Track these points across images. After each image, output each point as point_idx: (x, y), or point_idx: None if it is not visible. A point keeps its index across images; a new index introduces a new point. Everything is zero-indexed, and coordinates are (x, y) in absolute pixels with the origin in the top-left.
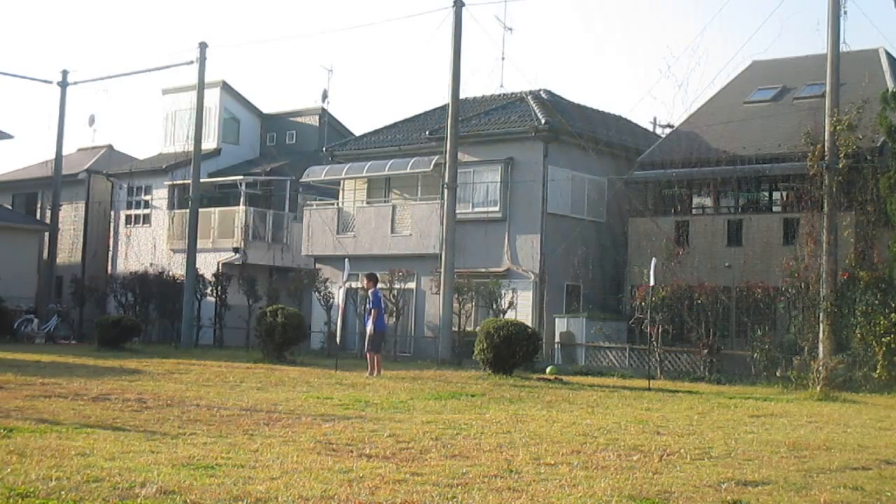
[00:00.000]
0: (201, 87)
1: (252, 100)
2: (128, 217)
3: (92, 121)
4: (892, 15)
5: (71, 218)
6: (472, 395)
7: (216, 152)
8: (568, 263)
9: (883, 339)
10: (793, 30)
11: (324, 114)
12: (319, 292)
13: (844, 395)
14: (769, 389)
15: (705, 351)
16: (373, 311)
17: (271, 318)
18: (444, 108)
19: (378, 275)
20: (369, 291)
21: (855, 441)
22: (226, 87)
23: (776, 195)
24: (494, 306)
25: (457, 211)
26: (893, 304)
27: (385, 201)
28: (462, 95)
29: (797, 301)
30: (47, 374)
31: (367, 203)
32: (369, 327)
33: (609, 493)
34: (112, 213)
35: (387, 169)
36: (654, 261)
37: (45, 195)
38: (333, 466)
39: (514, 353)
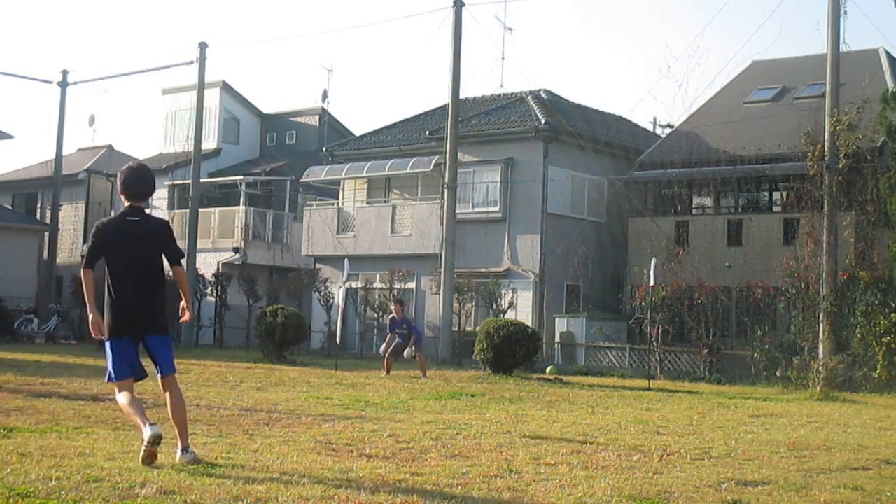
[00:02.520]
0: (201, 87)
1: (252, 100)
2: None
3: (92, 121)
4: (892, 15)
5: (71, 218)
6: (472, 395)
7: (216, 152)
8: (568, 263)
9: (883, 339)
10: (793, 30)
11: (324, 114)
12: (319, 292)
13: (844, 395)
14: (769, 389)
15: (705, 351)
16: (413, 337)
17: (271, 318)
18: (444, 108)
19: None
20: (401, 318)
21: (855, 441)
22: (226, 87)
23: (776, 195)
24: (494, 306)
25: (457, 211)
26: (893, 304)
27: (385, 201)
28: (462, 95)
29: (797, 301)
30: (47, 374)
31: (367, 203)
32: (407, 352)
33: (609, 493)
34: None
35: (387, 169)
36: (654, 261)
37: (45, 195)
38: (333, 466)
39: (514, 353)
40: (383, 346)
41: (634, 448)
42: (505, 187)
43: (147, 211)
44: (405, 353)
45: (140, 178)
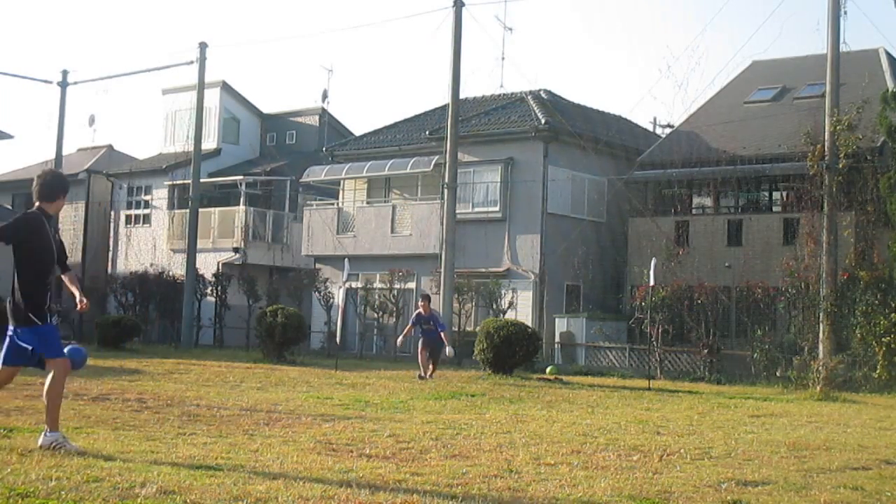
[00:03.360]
0: (201, 87)
1: (252, 100)
2: (128, 217)
3: (92, 121)
4: (892, 15)
5: (71, 218)
6: (472, 395)
7: (216, 152)
8: (568, 263)
9: (883, 339)
10: (793, 30)
11: (324, 114)
12: (319, 292)
13: (844, 395)
14: (769, 389)
15: (705, 351)
16: (442, 333)
17: (271, 318)
18: (444, 108)
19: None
20: (428, 314)
21: (855, 441)
22: (226, 87)
23: (776, 195)
24: (494, 306)
25: (457, 211)
26: (893, 304)
27: (385, 201)
28: (462, 95)
29: (797, 301)
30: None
31: (367, 203)
32: (448, 350)
33: (609, 493)
34: (112, 213)
35: (387, 169)
36: (654, 261)
37: None
38: (333, 466)
39: (514, 353)
40: (400, 338)
41: (634, 448)
42: (505, 187)
43: (36, 206)
44: (447, 351)
45: (34, 185)
